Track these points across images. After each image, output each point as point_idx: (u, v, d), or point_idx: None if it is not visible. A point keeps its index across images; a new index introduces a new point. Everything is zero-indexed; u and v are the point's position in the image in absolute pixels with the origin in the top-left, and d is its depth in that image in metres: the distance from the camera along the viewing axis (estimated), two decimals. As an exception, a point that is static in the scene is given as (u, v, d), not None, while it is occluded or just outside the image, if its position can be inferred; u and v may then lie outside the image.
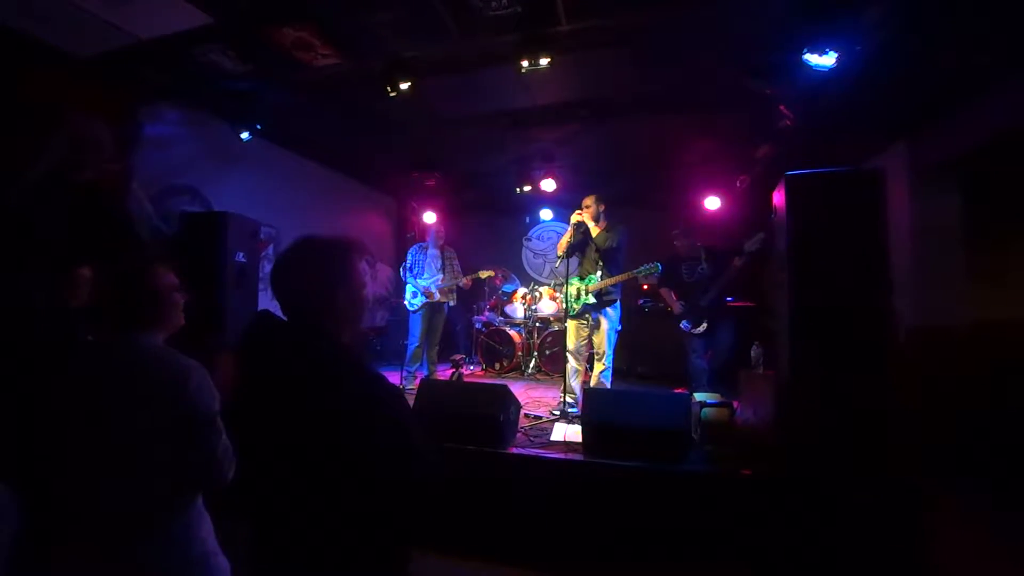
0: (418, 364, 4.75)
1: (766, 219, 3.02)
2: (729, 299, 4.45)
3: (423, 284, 4.74)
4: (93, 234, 2.00)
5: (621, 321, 3.85)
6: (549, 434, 3.19)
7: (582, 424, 2.89)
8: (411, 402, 2.93)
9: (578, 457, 2.78)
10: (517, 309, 6.05)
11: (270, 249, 4.82)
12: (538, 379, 5.54)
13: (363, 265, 1.15)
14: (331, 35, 3.06)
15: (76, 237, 1.93)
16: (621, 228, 3.81)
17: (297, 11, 2.84)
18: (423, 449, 1.08)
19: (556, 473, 2.72)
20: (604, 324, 3.73)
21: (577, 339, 3.80)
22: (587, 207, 3.82)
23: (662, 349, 5.28)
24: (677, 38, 3.13)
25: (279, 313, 1.13)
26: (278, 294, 1.11)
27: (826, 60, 2.82)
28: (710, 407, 3.05)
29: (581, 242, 3.83)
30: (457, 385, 3.80)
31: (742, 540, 2.41)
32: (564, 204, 6.06)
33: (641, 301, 5.89)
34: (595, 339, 3.79)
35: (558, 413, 3.61)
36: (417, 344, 4.72)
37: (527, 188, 5.85)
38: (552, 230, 7.42)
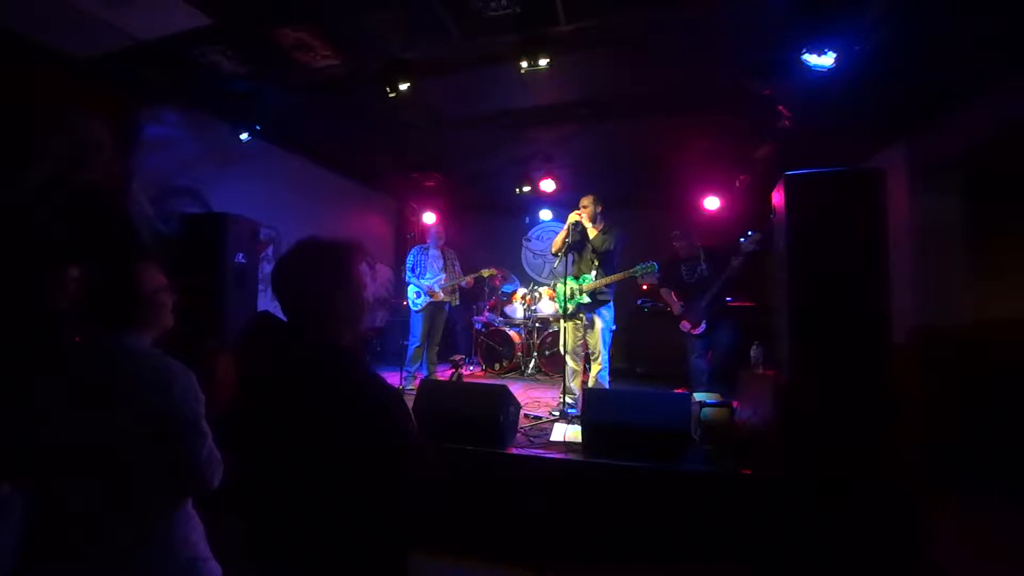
0: (418, 364, 4.76)
1: (765, 219, 3.02)
2: (729, 299, 4.45)
3: (426, 284, 4.75)
4: (93, 235, 2.00)
5: (617, 321, 3.85)
6: (549, 434, 3.19)
7: (582, 424, 2.89)
8: (411, 403, 2.93)
9: (578, 457, 2.78)
10: (517, 309, 6.05)
11: (270, 250, 4.82)
12: (538, 379, 5.54)
13: (363, 267, 1.15)
14: (331, 36, 3.06)
15: (76, 238, 1.93)
16: (618, 232, 3.81)
17: (297, 12, 2.84)
18: (421, 450, 1.09)
19: (556, 473, 2.72)
20: (598, 324, 3.74)
21: (573, 340, 3.81)
22: (584, 207, 3.82)
23: (662, 349, 5.28)
24: (676, 38, 3.13)
25: (279, 314, 1.13)
26: (279, 295, 1.12)
27: (825, 60, 2.82)
28: (710, 407, 3.05)
29: (578, 242, 3.83)
30: (457, 385, 3.81)
31: (742, 540, 2.41)
32: (563, 204, 6.03)
33: (641, 301, 5.89)
34: (589, 340, 3.79)
35: (557, 414, 3.61)
36: (418, 344, 4.73)
37: (526, 188, 5.85)
38: (551, 230, 7.41)
